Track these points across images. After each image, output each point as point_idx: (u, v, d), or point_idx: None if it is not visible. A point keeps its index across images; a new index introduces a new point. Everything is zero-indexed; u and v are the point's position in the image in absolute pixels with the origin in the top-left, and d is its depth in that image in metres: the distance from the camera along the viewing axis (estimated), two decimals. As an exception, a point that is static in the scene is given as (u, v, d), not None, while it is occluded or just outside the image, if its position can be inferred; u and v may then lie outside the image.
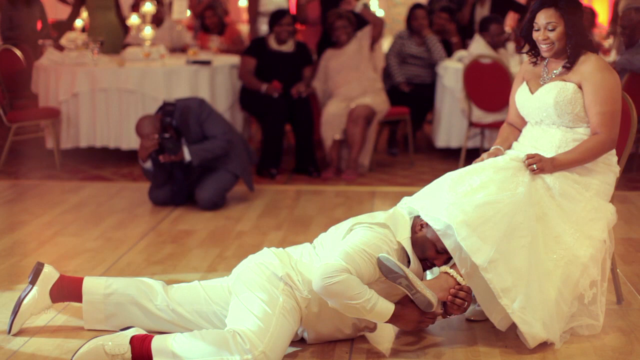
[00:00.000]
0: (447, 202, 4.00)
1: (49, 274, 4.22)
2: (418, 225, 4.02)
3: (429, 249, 3.97)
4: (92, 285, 4.23)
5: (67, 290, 4.23)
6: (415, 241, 3.99)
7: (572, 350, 4.04)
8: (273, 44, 8.28)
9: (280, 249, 4.14)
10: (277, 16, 8.29)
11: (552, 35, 4.24)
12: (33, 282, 4.19)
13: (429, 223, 3.99)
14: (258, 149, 8.63)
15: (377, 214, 4.11)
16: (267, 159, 7.97)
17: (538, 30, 4.29)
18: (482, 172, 4.16)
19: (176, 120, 6.49)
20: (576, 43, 4.23)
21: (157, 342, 3.77)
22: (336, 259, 3.77)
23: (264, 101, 8.08)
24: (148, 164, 6.53)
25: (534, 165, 4.14)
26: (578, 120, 4.27)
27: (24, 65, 8.70)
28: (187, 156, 6.49)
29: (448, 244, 3.93)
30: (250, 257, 4.12)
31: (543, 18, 4.25)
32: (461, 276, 3.95)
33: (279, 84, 8.09)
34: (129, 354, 3.74)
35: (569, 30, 4.22)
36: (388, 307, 3.80)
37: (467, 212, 3.93)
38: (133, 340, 3.77)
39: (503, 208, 3.98)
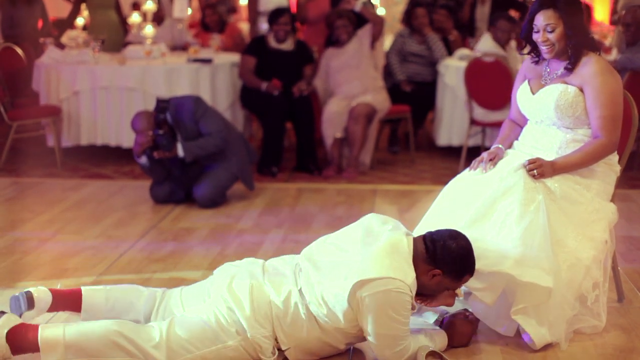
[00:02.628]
0: (490, 252, 3.98)
1: (41, 298, 3.96)
2: (430, 275, 3.74)
3: (441, 290, 3.87)
4: (92, 307, 4.02)
5: (65, 307, 4.04)
6: (424, 285, 3.77)
7: (574, 348, 4.03)
8: (272, 42, 8.27)
9: (266, 287, 3.82)
10: (275, 15, 8.28)
11: (551, 36, 4.19)
12: (29, 308, 3.96)
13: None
14: (259, 147, 8.63)
15: (375, 252, 3.71)
16: (268, 157, 7.97)
17: (537, 32, 4.23)
18: (488, 186, 4.15)
19: (170, 117, 6.50)
20: (577, 43, 4.18)
21: (46, 334, 3.63)
22: (390, 346, 3.71)
23: (264, 99, 8.07)
24: (143, 160, 6.54)
25: (535, 171, 4.13)
26: (579, 122, 4.24)
27: (25, 63, 8.69)
28: (180, 152, 6.50)
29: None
30: (235, 281, 3.87)
31: (542, 19, 4.19)
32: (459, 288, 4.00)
33: (278, 82, 8.09)
34: (8, 353, 3.63)
35: (569, 31, 4.16)
36: (442, 338, 3.94)
37: (511, 254, 3.94)
38: (9, 335, 3.63)
39: (537, 226, 3.99)
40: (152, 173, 6.68)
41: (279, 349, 3.79)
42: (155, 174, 6.69)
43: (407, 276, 3.65)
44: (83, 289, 4.05)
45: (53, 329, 3.66)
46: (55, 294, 3.98)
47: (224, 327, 3.71)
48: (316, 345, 3.81)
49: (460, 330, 4.02)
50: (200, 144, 6.53)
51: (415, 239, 3.83)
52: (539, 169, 4.12)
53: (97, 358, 3.61)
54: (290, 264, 3.97)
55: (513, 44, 8.94)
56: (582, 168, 4.21)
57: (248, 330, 3.70)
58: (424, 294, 3.86)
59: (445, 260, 3.74)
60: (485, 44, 8.39)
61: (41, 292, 3.95)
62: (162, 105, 6.50)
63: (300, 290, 3.79)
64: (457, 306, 4.18)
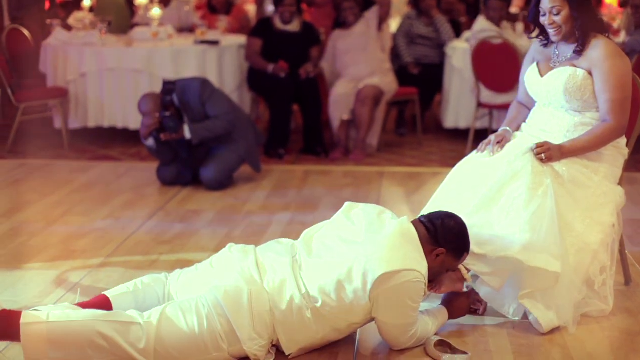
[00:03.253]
0: (498, 237, 3.98)
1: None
2: (434, 255, 3.75)
3: (443, 271, 3.88)
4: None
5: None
6: (429, 267, 3.73)
7: (581, 331, 4.03)
8: (278, 23, 8.24)
9: (266, 293, 3.62)
10: None
11: (557, 19, 4.17)
12: None
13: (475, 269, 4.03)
14: (266, 129, 8.63)
15: (389, 244, 3.65)
16: (275, 139, 7.96)
17: (544, 15, 4.22)
18: (496, 170, 4.15)
19: (177, 99, 6.49)
20: (583, 25, 4.16)
21: (29, 329, 3.43)
22: (404, 333, 3.73)
23: (271, 82, 8.05)
24: (150, 142, 6.54)
25: (543, 155, 4.12)
26: (587, 106, 4.23)
27: (32, 45, 8.69)
28: (187, 134, 6.50)
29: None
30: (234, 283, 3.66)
31: (547, 2, 4.17)
32: (467, 270, 4.02)
33: (285, 63, 8.06)
34: None
35: (575, 12, 4.14)
36: (443, 315, 3.96)
37: (519, 238, 3.93)
38: None
39: (545, 210, 3.98)
40: (158, 155, 6.68)
41: (274, 345, 3.70)
42: (162, 156, 6.69)
43: (422, 266, 3.65)
44: (110, 296, 3.81)
45: (35, 326, 3.45)
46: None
47: (216, 337, 3.55)
48: (320, 342, 3.75)
49: (458, 304, 4.04)
50: (207, 126, 6.52)
51: (414, 222, 3.83)
52: (546, 153, 4.11)
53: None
54: (286, 256, 3.79)
55: (519, 27, 8.90)
56: (590, 152, 4.20)
57: (245, 342, 3.55)
58: (429, 280, 3.85)
59: (447, 238, 3.77)
60: (480, 25, 8.36)
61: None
62: (169, 87, 6.50)
63: (305, 294, 3.63)
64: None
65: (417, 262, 3.64)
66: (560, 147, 4.15)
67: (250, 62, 8.28)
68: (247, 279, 3.66)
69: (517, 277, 4.01)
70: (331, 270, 3.65)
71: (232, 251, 3.89)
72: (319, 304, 3.62)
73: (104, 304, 3.77)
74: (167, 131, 6.43)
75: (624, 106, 4.16)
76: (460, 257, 3.84)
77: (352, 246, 3.70)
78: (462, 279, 3.98)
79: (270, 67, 8.04)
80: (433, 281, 3.89)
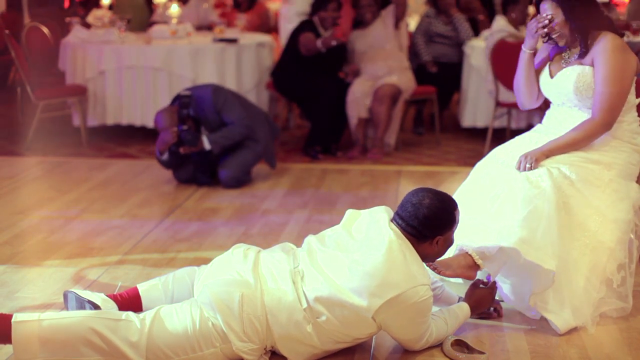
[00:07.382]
0: (494, 229, 3.97)
1: (109, 308, 3.80)
2: (434, 245, 3.64)
3: (447, 248, 3.77)
4: (153, 303, 3.89)
5: (127, 310, 3.80)
6: (435, 253, 3.72)
7: (598, 332, 4.01)
8: (321, 30, 8.06)
9: (261, 304, 3.58)
10: (324, 0, 8.05)
11: (556, 26, 4.23)
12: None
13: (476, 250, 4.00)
14: (284, 127, 8.63)
15: (392, 264, 3.52)
16: (315, 139, 7.96)
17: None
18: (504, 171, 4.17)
19: (193, 111, 6.49)
20: (579, 27, 4.19)
21: (20, 328, 3.44)
22: (418, 340, 3.70)
23: (314, 86, 7.95)
24: (165, 156, 6.54)
25: (528, 166, 4.14)
26: None
27: (51, 42, 8.72)
28: (207, 146, 6.51)
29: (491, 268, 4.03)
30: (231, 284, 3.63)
31: (544, 10, 4.26)
32: (481, 260, 3.99)
33: (340, 30, 7.90)
34: None
35: (568, 16, 4.18)
36: (464, 312, 3.93)
37: (516, 232, 3.92)
38: None
39: (541, 213, 3.96)
40: (169, 165, 6.69)
41: (270, 351, 3.67)
42: (171, 166, 6.71)
43: (424, 276, 3.58)
44: (140, 289, 3.90)
45: (27, 324, 3.46)
46: (117, 302, 3.84)
47: (207, 336, 3.53)
48: (322, 354, 3.70)
49: (480, 298, 4.02)
50: (225, 134, 6.53)
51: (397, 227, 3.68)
52: (530, 162, 4.14)
53: (72, 358, 3.46)
54: (288, 265, 3.70)
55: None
56: (576, 149, 4.21)
57: (234, 343, 3.52)
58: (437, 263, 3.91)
59: (433, 227, 3.61)
60: (499, 24, 8.30)
61: (106, 302, 3.79)
62: (185, 100, 6.48)
63: (306, 308, 3.56)
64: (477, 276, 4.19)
65: (419, 275, 3.54)
66: (540, 149, 4.20)
67: (309, 51, 7.95)
68: (241, 282, 3.62)
69: (529, 278, 4.00)
70: (334, 288, 3.55)
71: (234, 253, 3.84)
72: (320, 319, 3.57)
73: (134, 296, 3.86)
74: (186, 145, 6.43)
75: (613, 101, 4.14)
76: (454, 226, 3.70)
77: (353, 267, 3.57)
78: (475, 266, 3.96)
79: (319, 43, 7.83)
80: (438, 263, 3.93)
